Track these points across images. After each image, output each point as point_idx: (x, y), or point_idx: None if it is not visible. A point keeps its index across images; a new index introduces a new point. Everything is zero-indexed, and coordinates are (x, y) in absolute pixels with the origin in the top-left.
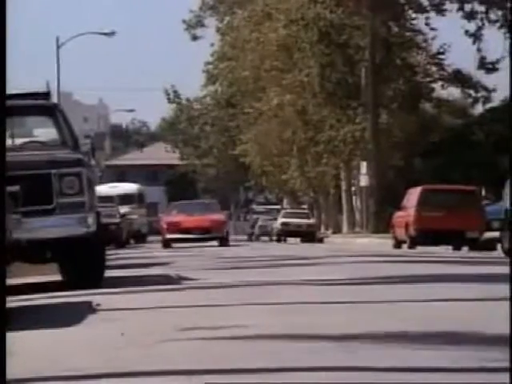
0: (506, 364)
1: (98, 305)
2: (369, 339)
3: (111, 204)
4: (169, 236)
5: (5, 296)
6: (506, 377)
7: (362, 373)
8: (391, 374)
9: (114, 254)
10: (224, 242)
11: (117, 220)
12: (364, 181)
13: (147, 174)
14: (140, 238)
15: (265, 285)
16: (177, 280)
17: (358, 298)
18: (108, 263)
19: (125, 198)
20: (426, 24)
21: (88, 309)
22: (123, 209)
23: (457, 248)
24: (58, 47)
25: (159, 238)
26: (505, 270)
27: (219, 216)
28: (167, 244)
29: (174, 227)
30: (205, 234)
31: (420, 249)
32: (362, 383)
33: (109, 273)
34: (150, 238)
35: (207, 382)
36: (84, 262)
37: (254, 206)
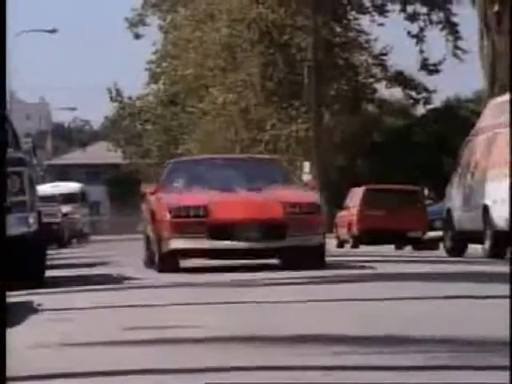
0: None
1: (40, 305)
2: (323, 340)
3: (53, 203)
4: (174, 244)
5: (5, 294)
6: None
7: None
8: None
9: (56, 254)
10: (319, 258)
11: (59, 219)
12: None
13: (90, 173)
14: (82, 237)
15: (215, 285)
16: (120, 279)
17: (314, 297)
18: (50, 263)
19: (67, 198)
20: (372, 21)
21: (30, 309)
22: (65, 208)
23: (399, 247)
24: None
25: (103, 238)
26: (452, 268)
27: (307, 194)
28: (171, 262)
29: (193, 219)
30: (271, 238)
31: (363, 248)
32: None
33: (50, 272)
34: (93, 238)
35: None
36: (24, 262)
37: None
